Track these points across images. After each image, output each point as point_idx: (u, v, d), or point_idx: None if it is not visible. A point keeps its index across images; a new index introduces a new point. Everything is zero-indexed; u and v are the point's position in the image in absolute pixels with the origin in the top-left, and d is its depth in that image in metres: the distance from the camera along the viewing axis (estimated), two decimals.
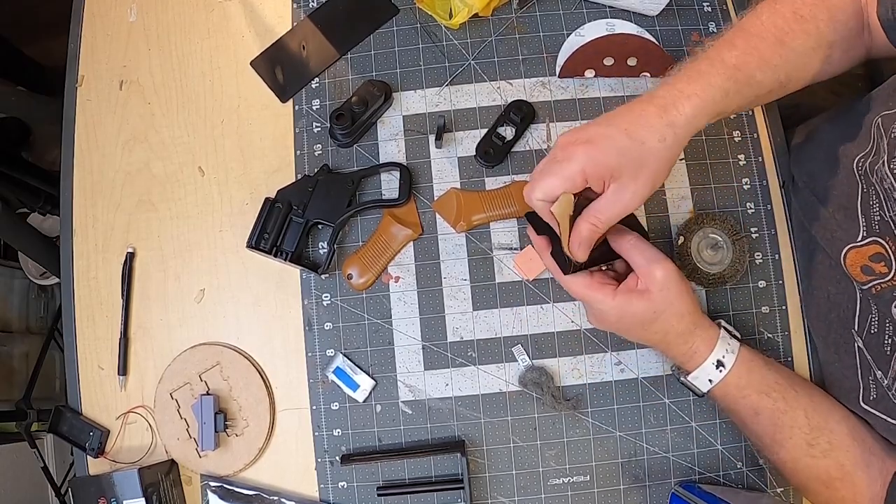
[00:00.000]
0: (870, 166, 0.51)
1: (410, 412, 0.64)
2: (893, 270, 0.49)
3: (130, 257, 0.68)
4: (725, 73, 0.51)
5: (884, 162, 0.48)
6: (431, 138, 0.69)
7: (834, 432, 0.54)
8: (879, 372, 0.52)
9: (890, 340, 0.51)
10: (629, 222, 0.57)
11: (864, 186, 0.52)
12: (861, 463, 0.53)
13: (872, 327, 0.53)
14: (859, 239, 0.53)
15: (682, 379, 0.58)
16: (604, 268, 0.59)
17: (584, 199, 0.52)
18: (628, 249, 0.54)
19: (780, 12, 0.54)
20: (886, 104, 0.52)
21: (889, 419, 0.51)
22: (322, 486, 0.64)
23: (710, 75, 0.51)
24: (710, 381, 0.56)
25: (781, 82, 0.54)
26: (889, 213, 0.49)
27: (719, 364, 0.55)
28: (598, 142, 0.49)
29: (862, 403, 0.54)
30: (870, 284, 0.52)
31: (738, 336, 0.58)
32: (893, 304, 0.49)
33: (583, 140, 0.49)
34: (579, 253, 0.52)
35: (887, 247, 0.50)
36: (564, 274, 0.55)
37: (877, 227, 0.51)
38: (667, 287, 0.53)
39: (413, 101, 0.70)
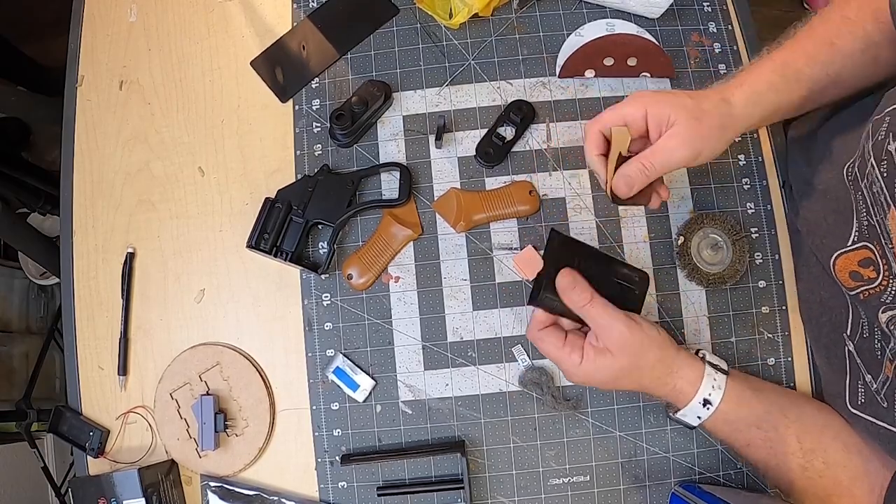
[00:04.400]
0: (859, 170, 0.51)
1: (410, 412, 0.64)
2: (881, 275, 0.49)
3: (130, 257, 0.68)
4: (772, 68, 0.55)
5: (872, 165, 0.48)
6: (431, 138, 0.69)
7: (828, 451, 0.54)
8: (869, 376, 0.52)
9: (879, 345, 0.51)
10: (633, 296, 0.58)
11: (854, 191, 0.52)
12: (860, 475, 0.53)
13: (864, 331, 0.53)
14: (849, 243, 0.53)
15: (671, 415, 0.58)
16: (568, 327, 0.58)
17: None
18: (584, 311, 0.54)
19: (830, 17, 0.57)
20: (875, 110, 0.52)
21: (878, 422, 0.51)
22: (322, 486, 0.64)
23: (759, 70, 0.56)
24: (698, 417, 0.56)
25: (832, 78, 0.56)
26: (876, 217, 0.49)
27: (706, 402, 0.55)
28: (664, 94, 0.55)
29: (849, 407, 0.54)
30: (857, 290, 0.52)
31: (725, 368, 0.57)
32: (880, 310, 0.49)
33: (651, 91, 0.57)
34: (623, 187, 0.55)
35: (875, 251, 0.50)
36: (528, 303, 0.56)
37: (866, 231, 0.51)
38: (624, 347, 0.53)
39: (413, 101, 0.70)
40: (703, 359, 0.57)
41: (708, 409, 0.55)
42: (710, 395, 0.55)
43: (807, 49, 0.56)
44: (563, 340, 0.56)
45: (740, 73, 0.56)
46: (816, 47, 0.55)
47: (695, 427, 0.57)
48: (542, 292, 0.55)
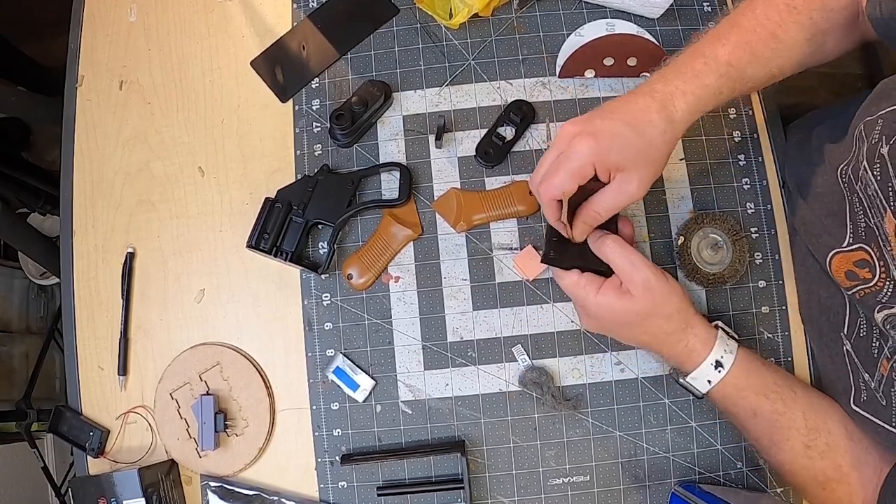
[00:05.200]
0: (853, 173, 0.51)
1: (410, 412, 0.64)
2: (877, 276, 0.49)
3: (130, 257, 0.68)
4: (718, 72, 0.53)
5: (865, 168, 0.48)
6: (431, 138, 0.69)
7: (831, 433, 0.54)
8: (867, 374, 0.52)
9: (877, 343, 0.51)
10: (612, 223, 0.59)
11: (849, 194, 0.52)
12: (858, 463, 0.53)
13: (861, 331, 0.54)
14: (845, 244, 0.53)
15: (680, 380, 0.58)
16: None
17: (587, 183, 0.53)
18: (609, 253, 0.55)
19: (774, 4, 0.54)
20: (868, 110, 0.52)
21: (877, 420, 0.51)
22: (322, 486, 0.64)
23: (705, 75, 0.53)
24: (708, 381, 0.56)
25: (773, 75, 0.55)
26: (873, 219, 0.49)
27: (718, 364, 0.55)
28: (603, 136, 0.50)
29: (853, 405, 0.55)
30: (854, 290, 0.52)
31: (736, 337, 0.58)
32: (876, 309, 0.49)
33: (588, 132, 0.51)
34: (581, 236, 0.56)
35: (872, 253, 0.50)
36: (544, 261, 0.57)
37: (863, 233, 0.51)
38: (648, 290, 0.54)
39: (413, 101, 0.70)
40: (716, 325, 0.58)
41: (719, 371, 0.55)
42: (722, 357, 0.55)
43: (751, 45, 0.53)
44: (579, 275, 0.57)
45: (683, 76, 0.53)
46: (760, 42, 0.53)
47: (702, 396, 0.57)
48: (547, 245, 0.57)
